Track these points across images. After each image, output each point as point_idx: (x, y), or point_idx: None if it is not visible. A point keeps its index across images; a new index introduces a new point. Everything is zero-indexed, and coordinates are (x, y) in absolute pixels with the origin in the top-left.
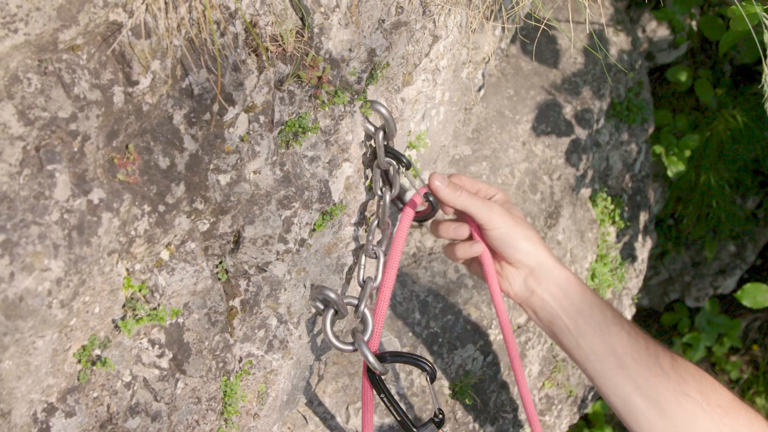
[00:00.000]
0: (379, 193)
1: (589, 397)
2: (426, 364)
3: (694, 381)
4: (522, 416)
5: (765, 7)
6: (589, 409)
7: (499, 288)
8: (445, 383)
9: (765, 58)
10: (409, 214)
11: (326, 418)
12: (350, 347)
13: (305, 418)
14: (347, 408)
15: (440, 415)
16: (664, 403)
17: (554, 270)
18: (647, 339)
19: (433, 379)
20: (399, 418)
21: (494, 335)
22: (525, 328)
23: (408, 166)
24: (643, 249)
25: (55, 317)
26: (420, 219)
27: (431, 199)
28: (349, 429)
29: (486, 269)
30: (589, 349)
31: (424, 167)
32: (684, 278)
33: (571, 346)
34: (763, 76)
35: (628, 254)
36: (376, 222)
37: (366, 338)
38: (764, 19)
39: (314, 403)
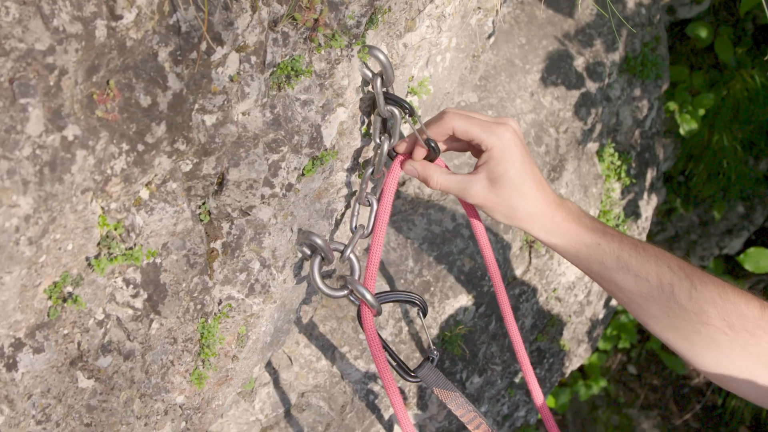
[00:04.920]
0: (378, 141)
1: (583, 351)
2: (417, 299)
3: (714, 309)
4: (510, 369)
5: None
6: (585, 361)
7: (488, 243)
8: (435, 332)
9: None
10: (397, 167)
11: (311, 360)
12: (339, 293)
13: (290, 359)
14: (333, 351)
15: (435, 352)
16: (683, 331)
17: (545, 239)
18: (661, 274)
19: (425, 313)
20: (395, 363)
21: (488, 286)
22: (520, 280)
23: (411, 112)
24: (648, 207)
25: (22, 254)
26: None
27: (432, 144)
28: (333, 372)
29: (475, 228)
30: (599, 283)
31: (426, 114)
32: (690, 236)
33: (582, 270)
34: None
35: (632, 211)
36: (371, 170)
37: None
38: None
39: (300, 344)
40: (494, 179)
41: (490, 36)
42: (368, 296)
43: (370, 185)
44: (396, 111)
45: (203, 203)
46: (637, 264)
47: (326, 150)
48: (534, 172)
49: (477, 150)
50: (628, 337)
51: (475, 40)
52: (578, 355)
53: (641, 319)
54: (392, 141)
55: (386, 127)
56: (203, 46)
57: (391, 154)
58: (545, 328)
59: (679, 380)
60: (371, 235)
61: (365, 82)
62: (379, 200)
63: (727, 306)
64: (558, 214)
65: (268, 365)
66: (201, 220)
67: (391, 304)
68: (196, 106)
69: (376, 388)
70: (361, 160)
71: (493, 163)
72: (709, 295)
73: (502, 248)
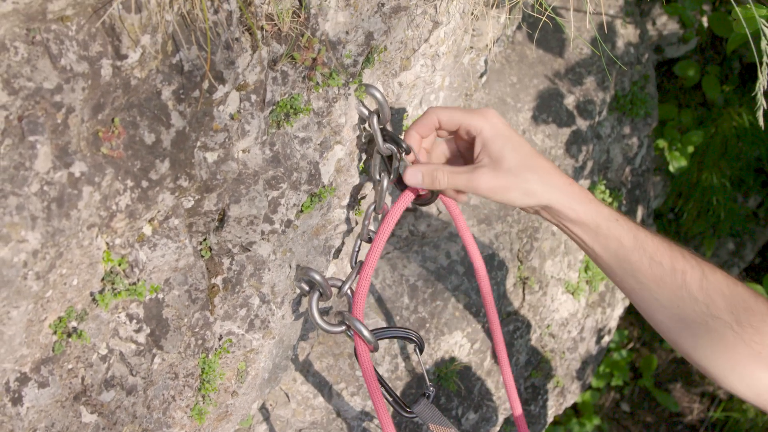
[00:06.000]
0: (378, 178)
1: (576, 388)
2: (414, 335)
3: (724, 301)
4: (505, 405)
5: (764, 14)
6: (578, 399)
7: (486, 275)
8: (431, 368)
9: (761, 66)
10: (408, 197)
11: (308, 396)
12: (337, 328)
13: (287, 396)
14: (330, 388)
15: (431, 388)
16: (689, 322)
17: (567, 208)
18: (674, 259)
19: (421, 350)
20: (391, 398)
21: (483, 323)
22: (514, 316)
23: (408, 151)
24: None
25: (30, 289)
26: (421, 203)
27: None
28: (330, 409)
29: (474, 262)
30: (608, 269)
31: None
32: None
33: (591, 257)
34: (757, 85)
35: None
36: (372, 207)
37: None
38: (763, 27)
39: (297, 381)
40: (497, 161)
41: (482, 75)
42: (365, 332)
43: (372, 221)
44: (395, 149)
45: (204, 239)
46: (652, 245)
47: (324, 187)
48: (531, 147)
49: (465, 141)
50: (620, 375)
51: (467, 79)
52: (572, 392)
53: (649, 311)
54: (392, 177)
55: (386, 164)
56: (205, 85)
57: (394, 191)
58: (539, 365)
59: (672, 417)
60: (361, 265)
61: (362, 119)
62: (377, 231)
63: (735, 298)
64: (573, 184)
65: (266, 402)
66: (202, 256)
67: (387, 340)
68: (198, 143)
69: (372, 425)
70: (358, 197)
71: (489, 144)
72: (718, 285)
73: (496, 284)
